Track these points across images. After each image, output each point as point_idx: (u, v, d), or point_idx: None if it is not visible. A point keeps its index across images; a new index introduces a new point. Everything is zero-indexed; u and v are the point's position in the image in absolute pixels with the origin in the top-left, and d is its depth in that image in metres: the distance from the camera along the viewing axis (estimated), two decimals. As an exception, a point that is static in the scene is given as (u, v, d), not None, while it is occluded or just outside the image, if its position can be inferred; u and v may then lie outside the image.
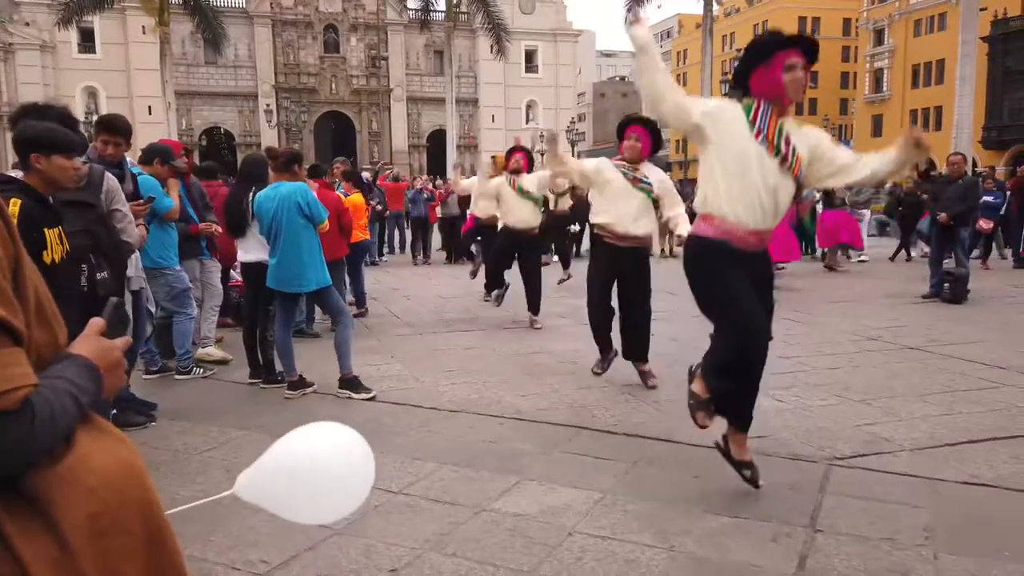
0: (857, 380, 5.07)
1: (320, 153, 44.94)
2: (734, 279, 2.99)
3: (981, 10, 16.43)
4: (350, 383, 4.78)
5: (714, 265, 3.03)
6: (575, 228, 14.83)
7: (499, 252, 7.35)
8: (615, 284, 4.94)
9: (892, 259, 13.25)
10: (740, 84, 3.10)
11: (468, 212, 8.16)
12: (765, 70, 2.99)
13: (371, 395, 4.76)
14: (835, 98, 67.85)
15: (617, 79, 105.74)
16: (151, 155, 5.14)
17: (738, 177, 2.97)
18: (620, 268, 4.84)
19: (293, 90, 51.19)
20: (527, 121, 58.47)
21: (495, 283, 7.44)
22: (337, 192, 7.02)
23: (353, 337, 5.04)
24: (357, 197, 7.68)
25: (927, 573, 2.55)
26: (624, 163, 4.81)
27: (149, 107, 43.44)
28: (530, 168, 7.25)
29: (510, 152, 7.33)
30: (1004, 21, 45.90)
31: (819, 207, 13.00)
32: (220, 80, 50.47)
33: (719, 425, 3.28)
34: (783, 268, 10.40)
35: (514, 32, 42.21)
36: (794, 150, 3.00)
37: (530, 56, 58.35)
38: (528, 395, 4.83)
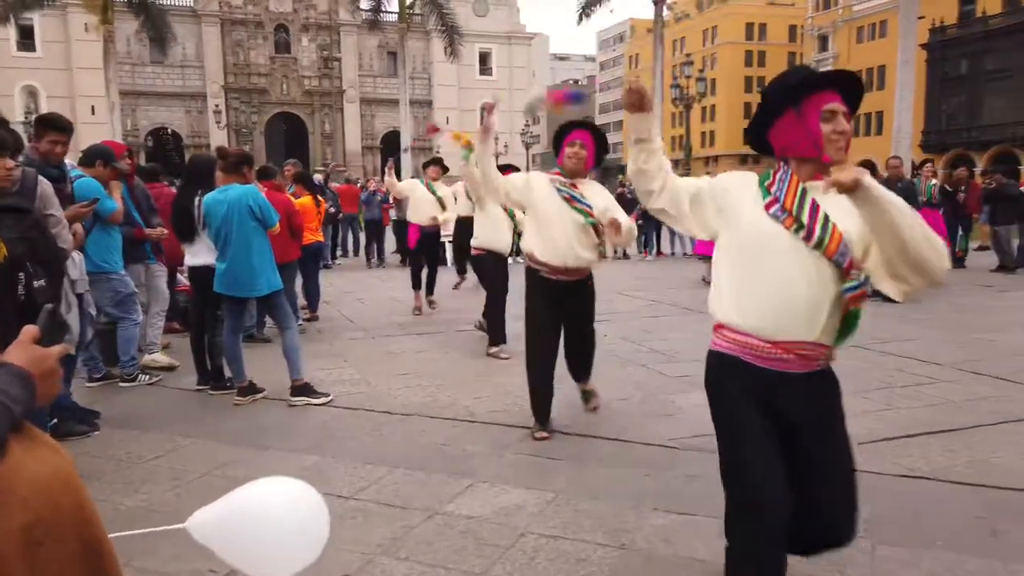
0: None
1: (272, 155, 44.24)
2: (748, 421, 2.07)
3: (919, 18, 17.01)
4: (303, 389, 4.73)
5: (727, 391, 2.14)
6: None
7: (414, 254, 8.26)
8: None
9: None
10: (757, 142, 2.24)
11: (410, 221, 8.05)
12: (793, 120, 2.09)
13: (328, 399, 4.72)
14: (782, 103, 69.29)
15: (571, 82, 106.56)
16: (93, 157, 5.01)
17: (749, 268, 2.10)
18: (563, 305, 4.04)
19: (243, 90, 50.31)
20: (481, 123, 58.47)
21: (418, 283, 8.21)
22: (288, 194, 6.94)
23: (302, 342, 4.99)
24: (307, 200, 7.59)
25: (865, 564, 2.64)
26: (560, 178, 4.00)
27: (92, 107, 42.26)
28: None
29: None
30: (941, 29, 47.64)
31: None
32: (167, 80, 49.35)
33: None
34: None
35: (468, 35, 42.19)
36: (825, 220, 2.03)
37: (484, 58, 58.45)
38: (481, 397, 4.85)
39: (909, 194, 8.85)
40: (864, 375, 5.25)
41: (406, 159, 30.18)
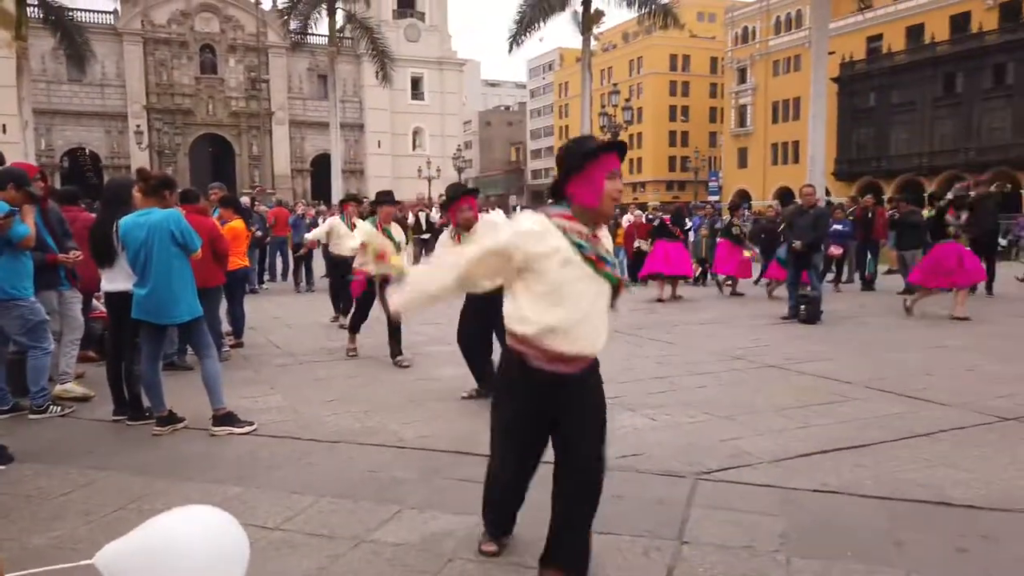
0: (723, 397, 5.39)
1: (197, 177, 43.07)
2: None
3: (830, 53, 17.98)
4: (225, 418, 4.61)
5: None
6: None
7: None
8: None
9: (756, 283, 14.17)
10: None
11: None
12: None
13: (253, 428, 4.61)
14: (704, 132, 72.02)
15: (502, 108, 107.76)
16: (3, 180, 4.80)
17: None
18: (559, 407, 2.65)
19: (167, 111, 49.00)
20: (414, 148, 58.50)
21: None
22: (213, 218, 6.79)
23: (227, 369, 4.87)
24: (238, 223, 7.45)
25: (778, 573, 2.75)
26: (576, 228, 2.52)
27: (3, 125, 40.37)
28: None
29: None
30: (851, 64, 50.41)
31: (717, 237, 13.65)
32: (85, 99, 47.63)
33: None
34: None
35: (399, 59, 42.31)
36: None
37: (416, 83, 58.58)
38: (411, 422, 4.82)
39: (820, 220, 9.31)
40: (783, 394, 5.47)
41: (337, 184, 29.87)
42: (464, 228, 5.09)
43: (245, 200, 14.16)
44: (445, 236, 5.39)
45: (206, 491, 3.61)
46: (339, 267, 8.86)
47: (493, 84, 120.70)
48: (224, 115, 50.72)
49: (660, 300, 11.34)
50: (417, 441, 4.43)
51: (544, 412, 2.64)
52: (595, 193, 2.47)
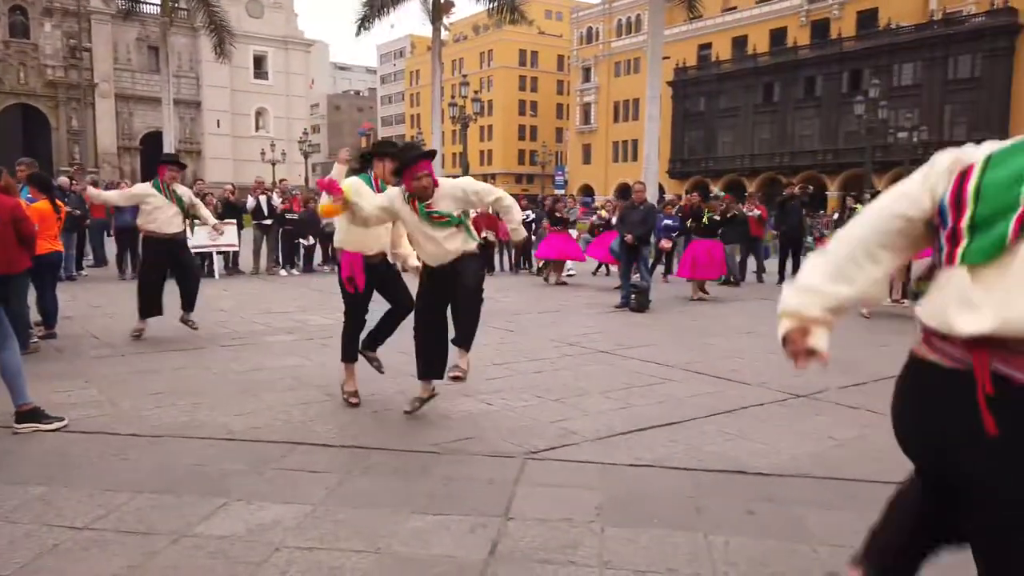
0: (555, 382, 5.66)
1: (6, 151, 38.71)
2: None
3: (665, 58, 19.11)
4: (30, 415, 4.25)
5: None
6: (308, 242, 14.56)
7: (148, 266, 7.29)
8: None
9: (594, 273, 14.91)
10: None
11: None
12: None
13: (63, 424, 4.28)
14: (552, 127, 74.12)
15: (352, 93, 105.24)
16: None
17: None
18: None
19: (-35, 75, 43.68)
20: (257, 129, 55.85)
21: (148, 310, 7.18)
22: (21, 198, 6.17)
23: (36, 362, 4.49)
24: (44, 204, 6.82)
25: (594, 544, 2.96)
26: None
27: None
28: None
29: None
30: (684, 69, 53.70)
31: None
32: None
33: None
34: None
35: (241, 36, 40.21)
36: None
37: (259, 62, 55.92)
38: (242, 414, 4.68)
39: (649, 215, 9.94)
40: (610, 378, 5.82)
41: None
42: (420, 198, 4.36)
43: (63, 180, 12.98)
44: (396, 193, 4.49)
45: (4, 493, 3.33)
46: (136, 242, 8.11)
47: (343, 68, 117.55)
48: (38, 84, 46.00)
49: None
50: (248, 433, 4.32)
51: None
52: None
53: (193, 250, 13.22)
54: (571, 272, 14.34)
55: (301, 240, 14.61)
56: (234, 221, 13.65)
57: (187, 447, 4.06)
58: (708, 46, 53.84)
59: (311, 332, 7.72)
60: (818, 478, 3.74)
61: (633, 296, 9.60)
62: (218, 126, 53.82)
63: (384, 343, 5.19)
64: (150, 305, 7.15)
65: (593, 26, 63.63)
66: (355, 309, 4.97)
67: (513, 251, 16.11)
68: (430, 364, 4.57)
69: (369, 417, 4.69)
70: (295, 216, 14.27)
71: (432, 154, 4.57)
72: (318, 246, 14.90)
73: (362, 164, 5.14)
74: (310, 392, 5.24)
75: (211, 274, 13.43)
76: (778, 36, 50.29)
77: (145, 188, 7.42)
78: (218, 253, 13.73)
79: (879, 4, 45.12)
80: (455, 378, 4.40)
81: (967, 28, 41.00)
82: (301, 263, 14.81)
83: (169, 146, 27.77)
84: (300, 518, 3.15)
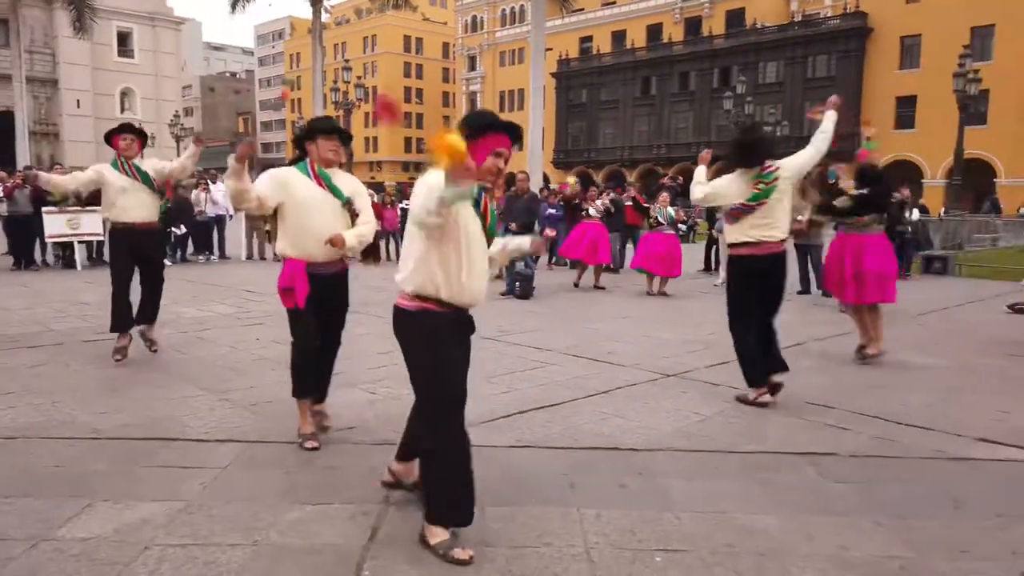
0: (440, 369, 5.71)
1: None
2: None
3: (548, 50, 19.44)
4: None
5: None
6: (180, 231, 13.86)
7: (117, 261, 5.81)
8: None
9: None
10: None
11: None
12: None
13: None
14: (439, 115, 73.72)
15: (228, 75, 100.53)
16: None
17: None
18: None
19: None
20: (122, 110, 52.35)
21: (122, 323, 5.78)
22: None
23: None
24: None
25: (475, 523, 3.04)
26: None
27: None
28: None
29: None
30: (567, 61, 54.75)
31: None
32: None
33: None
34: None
35: (103, 10, 37.44)
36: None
37: (124, 39, 52.34)
38: (109, 411, 4.46)
39: (532, 205, 10.15)
40: (495, 363, 5.94)
41: (23, 146, 25.76)
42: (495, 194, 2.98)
43: None
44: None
45: None
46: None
47: (218, 48, 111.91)
48: None
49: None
50: (114, 431, 4.12)
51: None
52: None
53: (50, 240, 12.48)
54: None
55: (173, 229, 13.90)
56: (98, 209, 12.78)
57: (47, 448, 3.84)
58: (590, 39, 55.08)
59: (184, 326, 7.40)
60: (683, 451, 3.99)
61: (518, 284, 9.78)
62: (78, 106, 50.02)
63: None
64: (128, 313, 5.82)
65: (478, 15, 63.63)
66: (299, 330, 3.94)
67: (400, 239, 16.05)
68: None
69: (248, 410, 4.58)
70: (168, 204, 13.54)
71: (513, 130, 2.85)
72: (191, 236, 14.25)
73: (298, 150, 4.05)
74: (184, 387, 5.05)
75: (73, 265, 12.58)
76: (655, 32, 52.12)
77: (99, 169, 5.81)
78: (80, 243, 12.87)
79: (746, 4, 47.63)
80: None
81: (823, 30, 43.99)
82: (177, 254, 14.11)
83: (22, 127, 25.63)
84: (172, 515, 3.06)
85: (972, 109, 25.85)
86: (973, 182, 33.13)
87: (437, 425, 2.94)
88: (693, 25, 50.45)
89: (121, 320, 5.77)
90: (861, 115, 42.08)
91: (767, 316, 4.91)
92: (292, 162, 4.03)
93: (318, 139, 3.90)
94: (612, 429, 4.30)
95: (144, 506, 3.15)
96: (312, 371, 3.98)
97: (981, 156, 37.15)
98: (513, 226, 9.85)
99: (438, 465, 2.88)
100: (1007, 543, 2.97)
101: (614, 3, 54.43)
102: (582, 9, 49.96)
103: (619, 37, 53.87)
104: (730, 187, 5.01)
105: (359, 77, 37.90)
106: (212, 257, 14.73)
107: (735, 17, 48.31)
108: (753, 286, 4.87)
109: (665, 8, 51.54)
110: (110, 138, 5.77)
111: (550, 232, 13.05)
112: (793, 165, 4.98)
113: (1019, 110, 37.06)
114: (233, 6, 25.07)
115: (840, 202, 6.19)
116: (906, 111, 41.42)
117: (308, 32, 36.86)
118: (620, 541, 2.92)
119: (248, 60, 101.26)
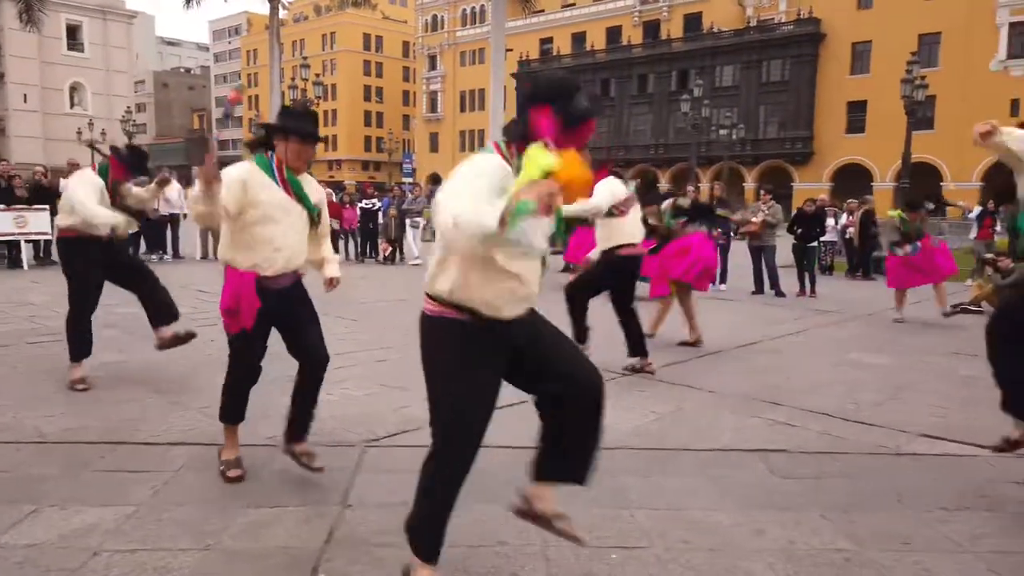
0: (400, 370, 5.67)
1: None
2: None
3: (508, 50, 19.48)
4: None
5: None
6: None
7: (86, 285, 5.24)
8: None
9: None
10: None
11: None
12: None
13: None
14: (399, 114, 73.24)
15: (182, 70, 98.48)
16: None
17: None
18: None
19: None
20: (72, 105, 50.96)
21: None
22: None
23: None
24: None
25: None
26: None
27: None
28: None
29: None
30: (527, 62, 54.86)
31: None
32: None
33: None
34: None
35: (52, 2, 36.36)
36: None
37: (73, 32, 51.00)
38: (55, 415, 4.34)
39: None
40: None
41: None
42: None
43: None
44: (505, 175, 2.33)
45: None
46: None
47: (172, 43, 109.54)
48: None
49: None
50: (62, 435, 4.01)
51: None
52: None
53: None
54: (418, 260, 14.37)
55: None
56: (47, 207, 12.40)
57: (-12, 454, 3.72)
58: (550, 40, 55.34)
59: (132, 327, 7.23)
60: (640, 449, 4.04)
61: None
62: (25, 101, 48.62)
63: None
64: (89, 337, 5.21)
65: (438, 14, 63.43)
66: (242, 355, 3.49)
67: (359, 239, 16.07)
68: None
69: (199, 413, 4.50)
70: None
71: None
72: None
73: (262, 142, 3.49)
74: (133, 390, 4.94)
75: (19, 264, 12.21)
76: (614, 34, 52.61)
77: (90, 177, 5.22)
78: (27, 242, 12.49)
79: (703, 9, 48.38)
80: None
81: (778, 35, 44.92)
82: (129, 251, 13.76)
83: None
84: (121, 520, 3.00)
85: (920, 114, 26.62)
86: (920, 185, 34.22)
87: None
88: (652, 28, 51.05)
89: (84, 345, 5.16)
90: (815, 120, 43.02)
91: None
92: (249, 147, 3.53)
93: (291, 140, 3.35)
94: (570, 428, 4.33)
95: (92, 511, 3.07)
96: (247, 396, 3.58)
97: (928, 160, 38.33)
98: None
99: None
100: (947, 534, 3.08)
101: (574, 5, 54.78)
102: (543, 10, 50.21)
103: (579, 39, 54.24)
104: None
105: (318, 75, 37.44)
106: (165, 256, 14.42)
107: (693, 21, 49.04)
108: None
109: (624, 11, 52.07)
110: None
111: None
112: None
113: (964, 116, 38.41)
114: (188, 2, 24.53)
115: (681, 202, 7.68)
116: (857, 116, 42.55)
117: (265, 28, 36.30)
118: (577, 539, 2.94)
119: (203, 56, 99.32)
